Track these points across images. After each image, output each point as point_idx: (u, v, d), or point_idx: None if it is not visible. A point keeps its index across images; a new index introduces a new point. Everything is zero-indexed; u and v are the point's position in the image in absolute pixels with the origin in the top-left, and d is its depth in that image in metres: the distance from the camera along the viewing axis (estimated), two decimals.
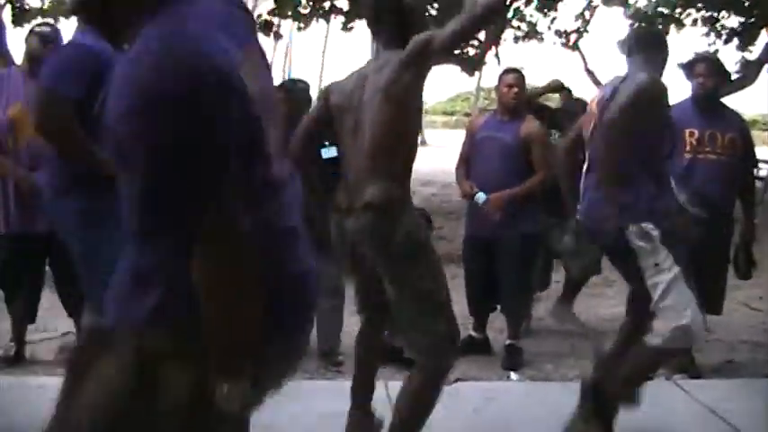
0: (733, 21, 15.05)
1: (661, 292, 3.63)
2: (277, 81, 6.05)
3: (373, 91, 3.40)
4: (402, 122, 3.37)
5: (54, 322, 5.39)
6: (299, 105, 5.49)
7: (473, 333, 5.88)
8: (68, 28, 12.79)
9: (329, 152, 5.32)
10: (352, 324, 6.07)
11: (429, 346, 3.35)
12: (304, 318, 1.98)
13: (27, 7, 14.51)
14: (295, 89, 5.59)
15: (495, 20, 3.42)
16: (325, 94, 3.77)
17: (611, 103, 3.78)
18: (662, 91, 3.82)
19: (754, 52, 14.76)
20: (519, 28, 15.99)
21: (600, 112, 3.90)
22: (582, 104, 6.52)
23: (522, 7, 15.35)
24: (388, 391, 4.16)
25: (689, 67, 5.20)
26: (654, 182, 3.78)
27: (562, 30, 16.36)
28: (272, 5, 14.01)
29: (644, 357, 3.74)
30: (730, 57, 14.97)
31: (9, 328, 5.26)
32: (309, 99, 5.65)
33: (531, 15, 15.88)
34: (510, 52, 72.30)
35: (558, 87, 6.82)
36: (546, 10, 15.69)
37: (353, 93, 3.51)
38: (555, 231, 5.80)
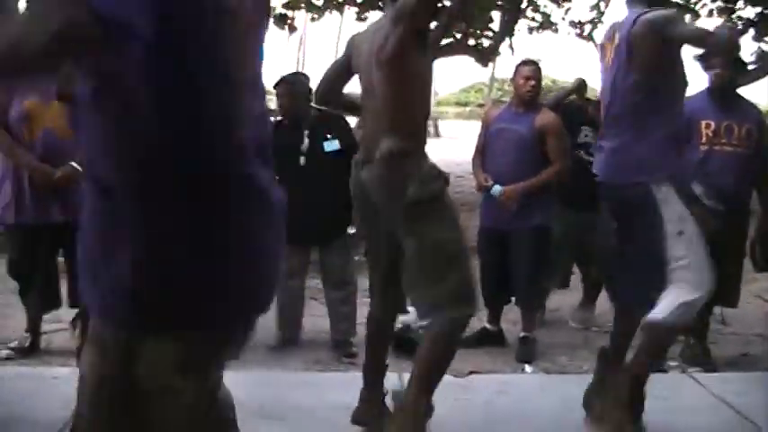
0: (749, 11, 14.95)
1: (683, 263, 3.52)
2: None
3: (375, 53, 3.40)
4: (403, 82, 3.33)
5: (69, 313, 5.40)
6: (299, 98, 5.49)
7: (487, 325, 5.88)
8: None
9: (332, 145, 5.34)
10: (364, 315, 6.08)
11: (441, 297, 3.34)
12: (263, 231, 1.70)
13: None
14: (296, 82, 5.58)
15: None
16: (349, 47, 3.78)
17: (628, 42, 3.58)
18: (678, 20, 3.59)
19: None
20: (533, 19, 15.92)
21: (616, 56, 3.69)
22: None
23: None
24: (402, 382, 4.16)
25: (705, 59, 5.16)
26: (674, 136, 3.66)
27: (576, 20, 16.29)
28: None
29: (652, 338, 3.64)
30: (746, 47, 14.86)
31: (24, 318, 5.28)
32: (310, 92, 5.66)
33: (545, 6, 15.81)
34: (524, 43, 71.83)
35: (581, 86, 6.74)
36: (560, 0, 15.62)
37: (365, 53, 3.51)
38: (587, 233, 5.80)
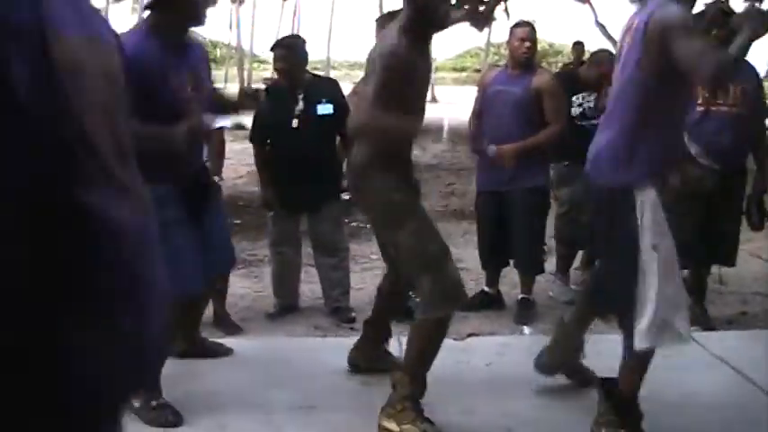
0: None
1: (656, 280, 3.32)
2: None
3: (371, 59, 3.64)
4: (386, 92, 3.50)
5: None
6: (296, 62, 5.49)
7: (486, 288, 5.90)
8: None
9: (325, 109, 5.34)
10: (362, 281, 6.11)
11: (420, 300, 3.62)
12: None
13: None
14: (294, 46, 5.57)
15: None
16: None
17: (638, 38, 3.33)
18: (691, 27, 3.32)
19: (765, 2, 14.55)
20: None
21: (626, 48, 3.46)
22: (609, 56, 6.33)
23: None
24: (401, 346, 4.19)
25: (699, 17, 5.13)
26: (671, 140, 3.52)
27: None
28: None
29: (634, 364, 3.49)
30: (741, 7, 14.67)
31: None
32: (306, 55, 5.65)
33: None
34: (520, 7, 71.29)
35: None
36: None
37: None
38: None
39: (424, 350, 3.60)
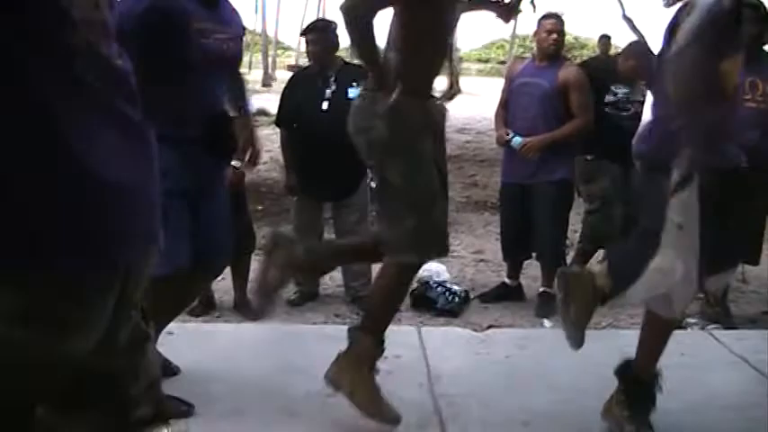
0: None
1: (671, 255, 3.21)
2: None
3: None
4: (410, 24, 3.30)
5: None
6: (330, 46, 5.51)
7: (507, 280, 5.89)
8: None
9: (356, 92, 5.34)
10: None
11: (395, 240, 3.30)
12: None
13: None
14: (327, 30, 5.59)
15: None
16: None
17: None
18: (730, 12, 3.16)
19: None
20: None
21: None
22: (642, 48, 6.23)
23: None
24: (420, 336, 4.19)
25: None
26: (707, 122, 3.31)
27: None
28: None
29: (648, 344, 3.42)
30: None
31: None
32: (338, 39, 5.65)
33: None
34: None
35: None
36: None
37: None
38: None
39: (387, 298, 3.40)
